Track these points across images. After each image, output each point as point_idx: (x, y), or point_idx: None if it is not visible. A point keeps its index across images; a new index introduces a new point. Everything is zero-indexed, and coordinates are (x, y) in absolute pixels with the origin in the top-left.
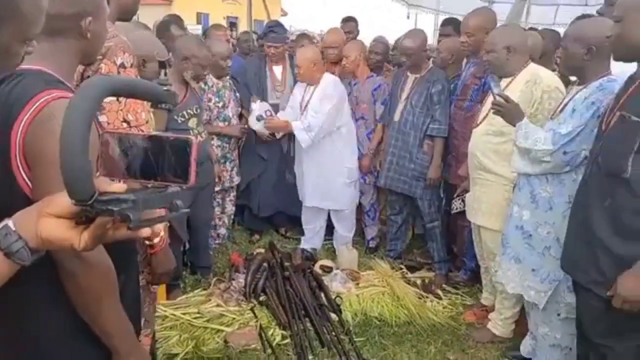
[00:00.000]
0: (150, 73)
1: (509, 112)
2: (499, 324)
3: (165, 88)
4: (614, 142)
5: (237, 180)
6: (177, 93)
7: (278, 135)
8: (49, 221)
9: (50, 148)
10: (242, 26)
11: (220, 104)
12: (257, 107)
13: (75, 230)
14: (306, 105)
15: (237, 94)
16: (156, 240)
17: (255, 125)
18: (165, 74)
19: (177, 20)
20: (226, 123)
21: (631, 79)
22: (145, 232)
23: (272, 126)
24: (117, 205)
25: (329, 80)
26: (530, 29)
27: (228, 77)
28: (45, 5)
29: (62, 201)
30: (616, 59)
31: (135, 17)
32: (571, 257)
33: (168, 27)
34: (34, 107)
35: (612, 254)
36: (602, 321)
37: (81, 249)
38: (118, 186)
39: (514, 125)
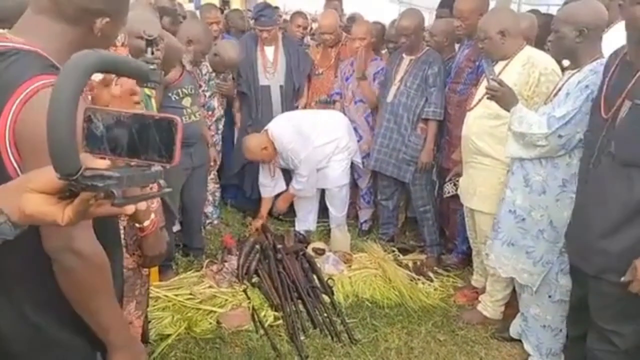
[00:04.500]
0: (134, 50)
1: (504, 97)
2: (489, 306)
3: (151, 67)
4: (630, 132)
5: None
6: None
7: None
8: (32, 196)
9: (42, 135)
10: (235, 4)
11: (208, 93)
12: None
13: (58, 205)
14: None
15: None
16: (146, 223)
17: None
18: (153, 52)
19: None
20: (210, 112)
21: (629, 65)
22: (130, 209)
23: (282, 206)
24: (101, 182)
25: (277, 139)
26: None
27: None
28: None
29: (47, 176)
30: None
31: None
32: (579, 249)
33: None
34: (27, 91)
35: (626, 240)
36: (612, 307)
37: (65, 224)
38: (101, 162)
39: (509, 110)
